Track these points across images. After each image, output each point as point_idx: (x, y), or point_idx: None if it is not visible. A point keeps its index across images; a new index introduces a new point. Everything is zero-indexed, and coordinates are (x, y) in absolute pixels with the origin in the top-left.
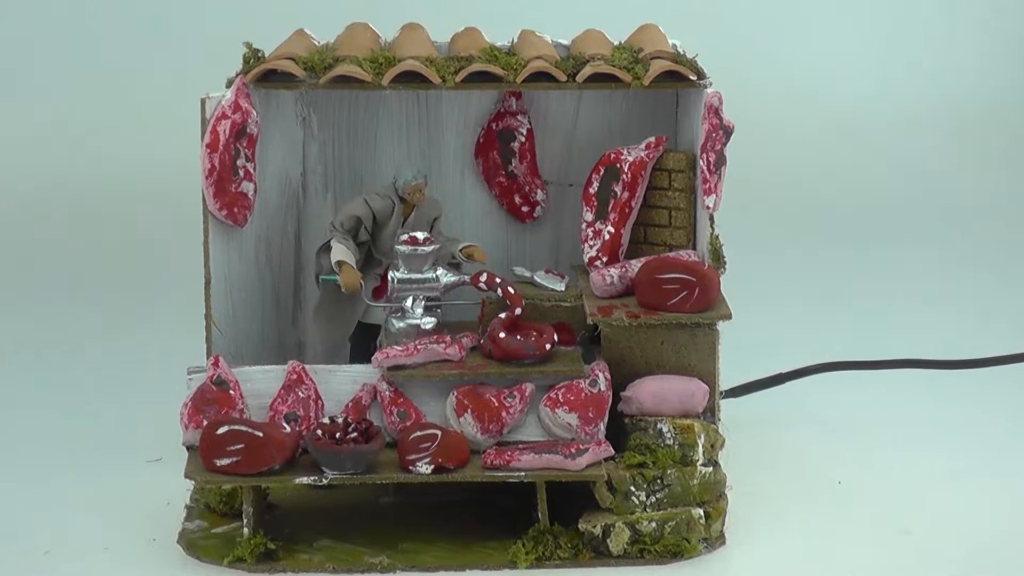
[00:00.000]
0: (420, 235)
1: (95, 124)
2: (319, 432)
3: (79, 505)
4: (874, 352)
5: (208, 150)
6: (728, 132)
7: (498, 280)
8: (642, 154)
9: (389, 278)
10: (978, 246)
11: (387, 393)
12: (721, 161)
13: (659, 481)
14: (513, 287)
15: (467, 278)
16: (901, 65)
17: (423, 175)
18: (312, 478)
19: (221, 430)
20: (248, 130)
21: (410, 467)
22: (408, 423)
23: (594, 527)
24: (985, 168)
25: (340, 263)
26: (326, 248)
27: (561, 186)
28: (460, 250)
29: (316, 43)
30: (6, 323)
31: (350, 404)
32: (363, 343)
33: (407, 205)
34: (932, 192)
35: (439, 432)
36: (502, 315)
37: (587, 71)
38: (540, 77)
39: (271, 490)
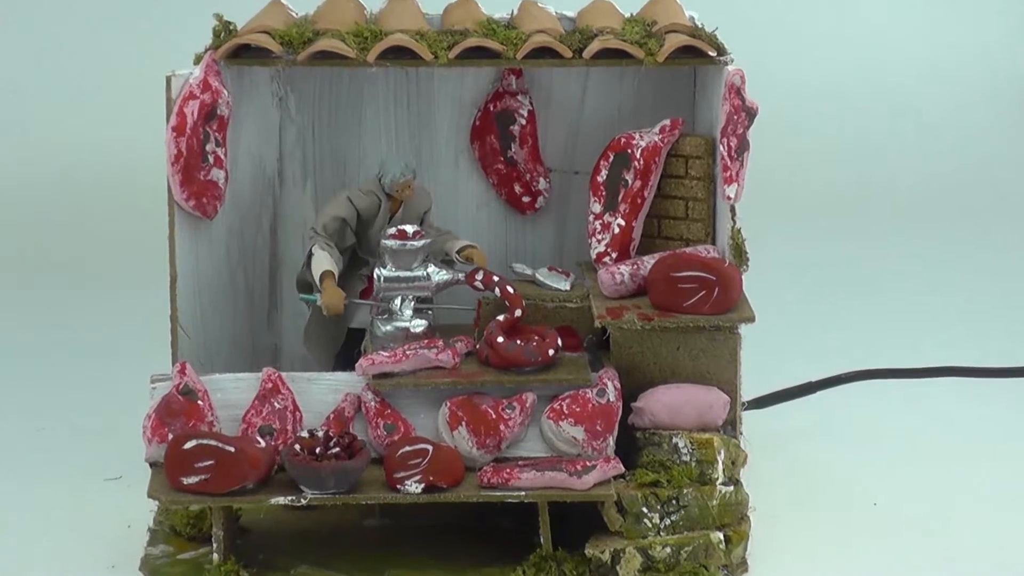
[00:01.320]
0: (409, 228)
1: (47, 104)
2: (297, 447)
3: (28, 529)
4: (915, 359)
5: (174, 134)
6: (752, 114)
7: (496, 278)
8: (656, 139)
9: (375, 276)
10: None
11: (372, 404)
12: (743, 146)
13: (674, 502)
14: (512, 286)
15: (461, 276)
16: (952, 35)
17: (411, 170)
18: (289, 498)
19: (188, 445)
20: (218, 111)
21: (398, 486)
22: (396, 437)
23: (602, 552)
24: None
25: (324, 277)
26: (309, 257)
27: (566, 174)
28: (458, 252)
29: (294, 15)
30: None
31: (331, 416)
32: (346, 348)
33: (394, 200)
34: (982, 182)
35: (430, 447)
36: (500, 317)
37: (595, 46)
38: (543, 53)
39: (244, 511)
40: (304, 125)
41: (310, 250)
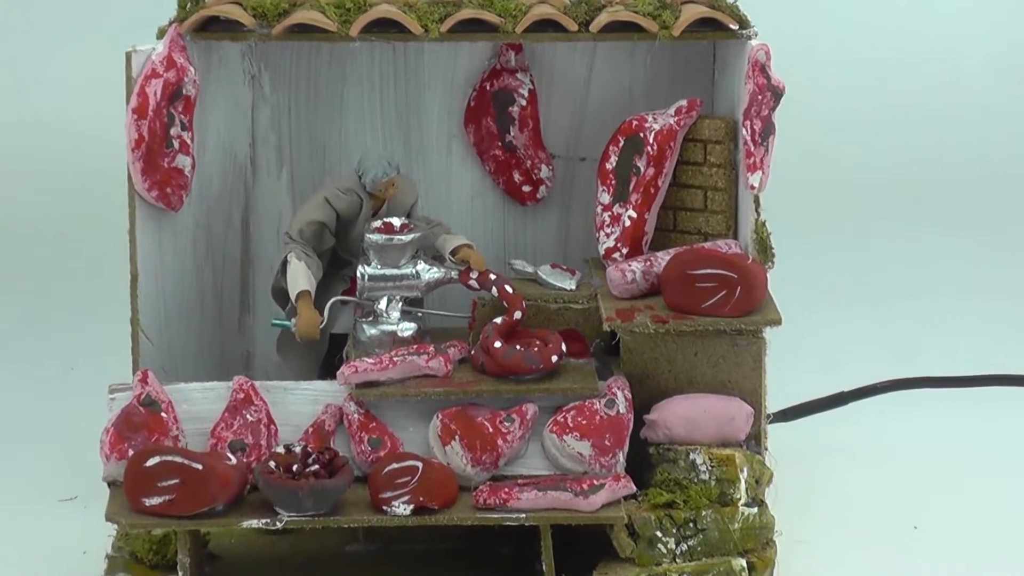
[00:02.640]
0: (396, 221)
1: None
2: (272, 464)
3: None
4: (959, 366)
5: (135, 116)
6: (777, 94)
7: (493, 277)
8: (671, 121)
9: (358, 275)
10: None
11: (356, 416)
12: (769, 130)
13: (692, 525)
14: (511, 286)
15: (455, 274)
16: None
17: (394, 167)
18: (263, 521)
19: (151, 462)
20: (184, 91)
21: (384, 507)
22: (382, 453)
23: None
24: None
25: (299, 297)
26: (284, 264)
27: (571, 160)
28: (451, 252)
29: None
30: None
31: (310, 430)
32: (327, 354)
33: (376, 199)
34: None
35: (420, 464)
36: (498, 320)
37: (603, 19)
38: (545, 26)
39: (212, 535)
40: (279, 106)
41: (285, 257)
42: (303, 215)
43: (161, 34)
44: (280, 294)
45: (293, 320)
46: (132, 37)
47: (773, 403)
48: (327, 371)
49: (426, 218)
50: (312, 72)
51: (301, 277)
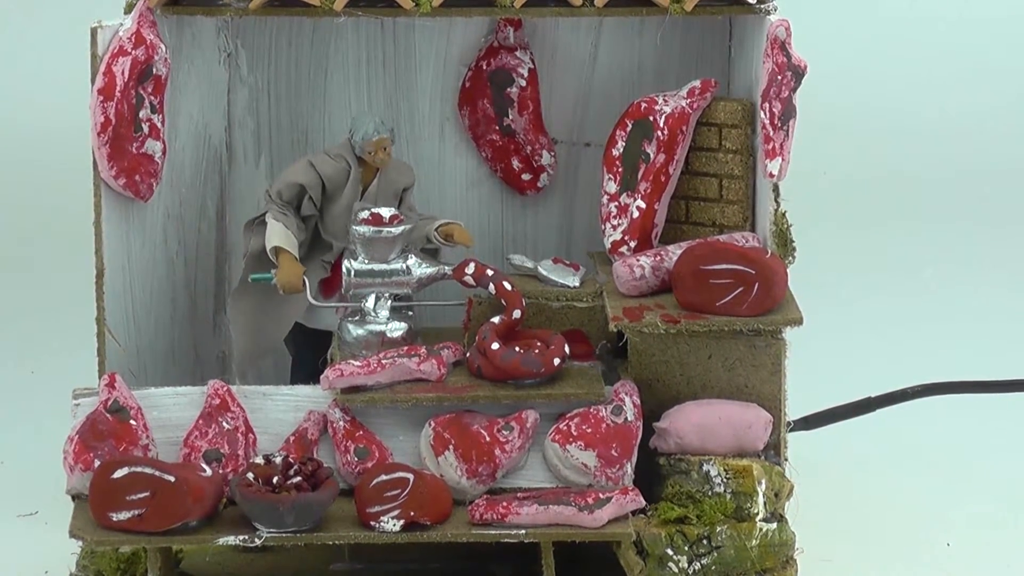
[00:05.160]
0: (386, 212)
1: None
2: (250, 476)
3: None
4: (996, 370)
5: (100, 98)
6: (799, 74)
7: (490, 272)
8: (683, 104)
9: (344, 269)
10: None
11: (341, 424)
12: (789, 113)
13: (706, 542)
14: (510, 282)
15: (449, 270)
16: None
17: (388, 128)
18: (241, 537)
19: (119, 473)
20: (154, 70)
21: (372, 522)
22: (369, 464)
23: None
24: None
25: (277, 250)
26: (260, 222)
27: (574, 146)
28: (436, 229)
29: None
30: None
31: (292, 438)
32: (310, 355)
33: (367, 169)
34: None
35: (411, 476)
36: (495, 319)
37: None
38: (546, 0)
39: (185, 554)
40: (258, 88)
41: (260, 216)
42: (284, 176)
43: (129, 8)
44: (253, 260)
45: (273, 272)
46: (97, 11)
47: (794, 410)
48: (309, 374)
49: (420, 213)
50: (293, 51)
51: (276, 235)
